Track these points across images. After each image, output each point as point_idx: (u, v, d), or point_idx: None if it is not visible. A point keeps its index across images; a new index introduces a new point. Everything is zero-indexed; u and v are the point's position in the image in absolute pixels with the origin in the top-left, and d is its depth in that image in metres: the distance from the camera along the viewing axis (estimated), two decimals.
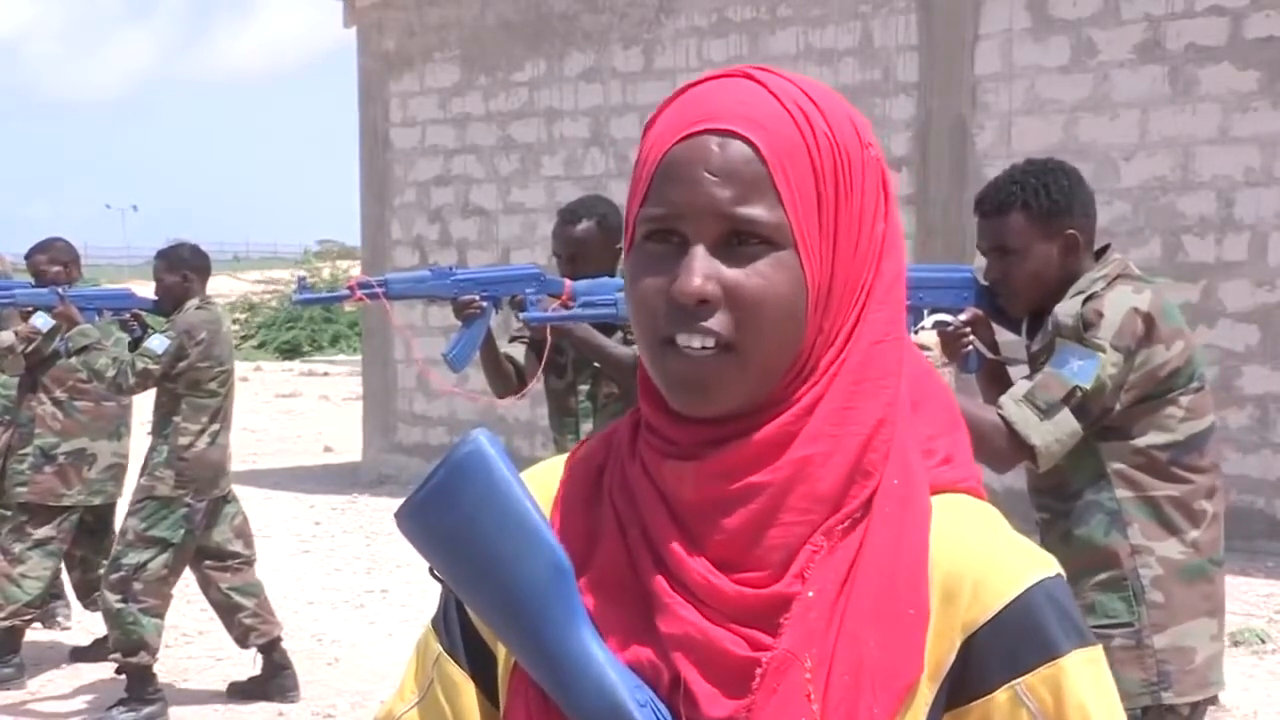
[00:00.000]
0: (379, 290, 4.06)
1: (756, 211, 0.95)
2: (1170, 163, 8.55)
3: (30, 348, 5.79)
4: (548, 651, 0.97)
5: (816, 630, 0.94)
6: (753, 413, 0.97)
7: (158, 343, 5.20)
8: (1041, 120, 8.88)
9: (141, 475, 5.34)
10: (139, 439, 6.45)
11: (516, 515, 0.98)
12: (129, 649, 5.29)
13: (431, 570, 1.02)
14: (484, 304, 3.97)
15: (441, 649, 1.10)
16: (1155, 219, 8.60)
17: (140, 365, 5.16)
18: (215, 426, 5.35)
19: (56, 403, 5.88)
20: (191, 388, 5.29)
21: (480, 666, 1.08)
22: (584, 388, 4.06)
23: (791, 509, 0.96)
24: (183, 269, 5.39)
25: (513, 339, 4.17)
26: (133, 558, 5.27)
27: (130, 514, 5.34)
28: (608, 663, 0.96)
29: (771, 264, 0.95)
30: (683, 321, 0.95)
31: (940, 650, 0.97)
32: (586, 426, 4.01)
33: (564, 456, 1.11)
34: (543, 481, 1.08)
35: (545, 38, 11.24)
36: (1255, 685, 5.97)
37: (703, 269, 0.95)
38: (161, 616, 5.38)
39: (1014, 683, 0.97)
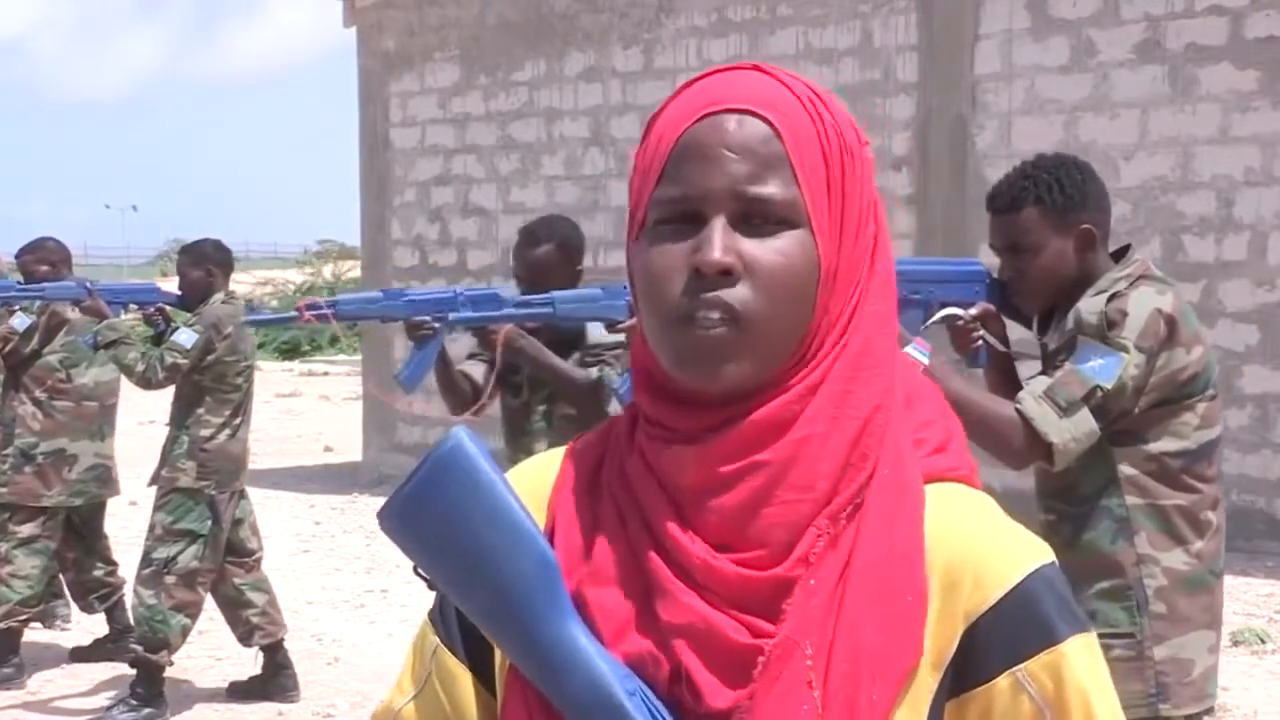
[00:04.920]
0: (328, 312, 4.06)
1: (773, 189, 0.97)
2: (1170, 163, 8.55)
3: (8, 348, 5.80)
4: (535, 645, 0.97)
5: (816, 618, 0.95)
6: (754, 394, 0.99)
7: (186, 337, 5.22)
8: (1041, 120, 8.88)
9: (162, 468, 5.36)
10: (137, 437, 6.44)
11: (500, 510, 0.99)
12: (152, 646, 5.30)
13: (416, 569, 1.02)
14: (436, 325, 3.97)
15: (439, 640, 1.11)
16: (1155, 219, 8.59)
17: (170, 359, 5.19)
18: (236, 420, 5.38)
19: (36, 403, 5.89)
20: (216, 381, 5.33)
21: (477, 658, 1.09)
22: (541, 407, 4.05)
23: (790, 487, 0.97)
24: (206, 264, 5.45)
25: (470, 355, 4.16)
26: (162, 552, 5.28)
27: (156, 509, 5.36)
28: (596, 654, 0.97)
29: (787, 241, 0.98)
30: (702, 293, 0.97)
31: (943, 638, 0.98)
32: (541, 446, 3.97)
33: (555, 451, 1.12)
34: (536, 475, 1.10)
35: (545, 38, 11.24)
36: (1255, 685, 5.97)
37: (724, 240, 0.97)
38: (193, 618, 5.39)
39: (1015, 669, 0.98)
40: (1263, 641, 6.55)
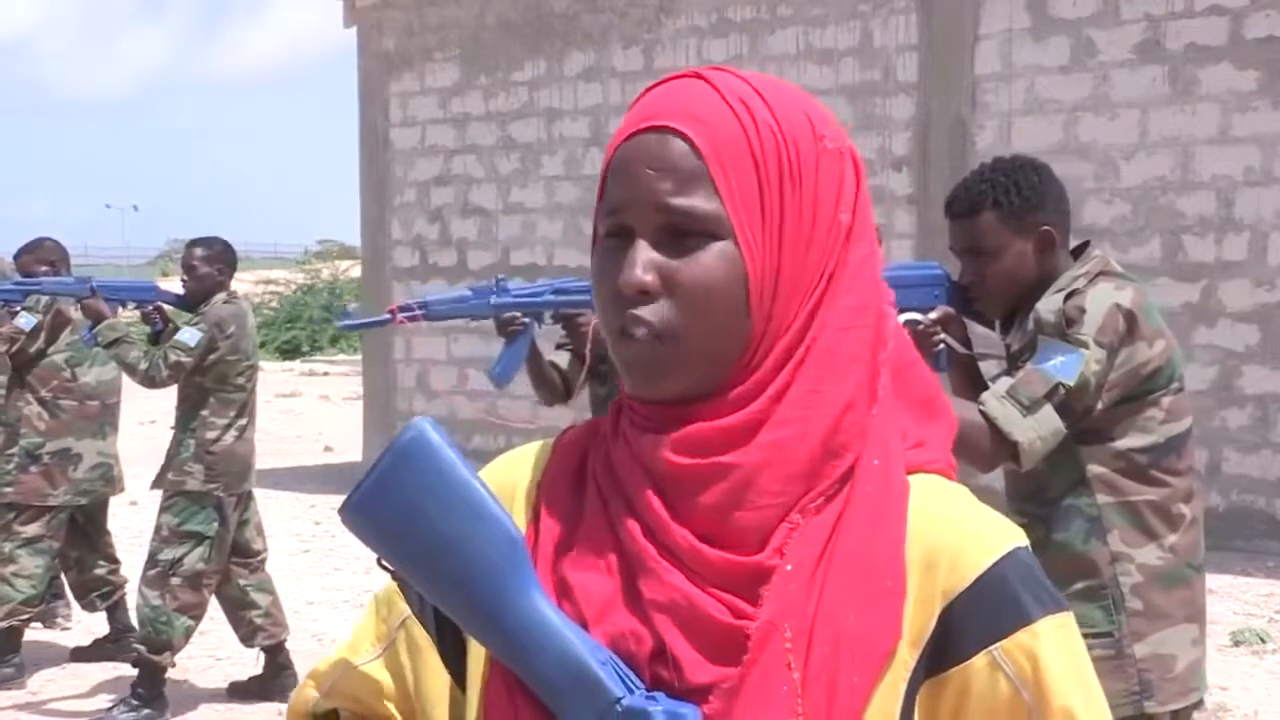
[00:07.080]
0: (419, 313, 4.13)
1: (693, 202, 0.99)
2: (1170, 163, 8.55)
3: (14, 348, 5.80)
4: (504, 624, 0.98)
5: (795, 602, 0.97)
6: (714, 395, 1.00)
7: (190, 335, 5.22)
8: (1041, 120, 8.89)
9: (169, 470, 5.35)
10: (138, 437, 6.43)
11: (464, 495, 0.99)
12: (155, 647, 5.31)
13: (380, 561, 1.02)
14: (525, 320, 4.07)
15: (409, 611, 1.13)
16: (1155, 219, 8.60)
17: (173, 358, 5.19)
18: (242, 421, 5.38)
19: (42, 402, 5.90)
20: (219, 381, 5.33)
21: (444, 636, 1.10)
22: None
23: (764, 491, 0.99)
24: (219, 262, 5.46)
25: (558, 347, 4.26)
26: (168, 553, 5.28)
27: (162, 510, 5.36)
28: (564, 628, 0.98)
29: (711, 254, 0.99)
30: (627, 311, 1.00)
31: (921, 619, 1.00)
32: None
33: (541, 442, 1.14)
34: (521, 463, 1.13)
35: (545, 38, 11.24)
36: (1255, 685, 5.97)
37: (642, 260, 0.99)
38: (197, 619, 5.39)
39: (991, 648, 1.00)
40: (1263, 641, 6.55)
